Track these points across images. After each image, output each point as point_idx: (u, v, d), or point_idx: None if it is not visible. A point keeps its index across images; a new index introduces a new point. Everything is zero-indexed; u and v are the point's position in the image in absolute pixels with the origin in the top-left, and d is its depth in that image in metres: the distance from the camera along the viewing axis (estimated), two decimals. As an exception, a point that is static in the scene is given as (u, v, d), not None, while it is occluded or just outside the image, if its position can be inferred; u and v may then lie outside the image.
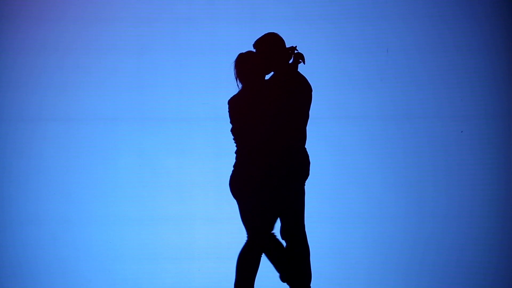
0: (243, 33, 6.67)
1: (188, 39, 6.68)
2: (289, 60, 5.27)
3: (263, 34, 5.36)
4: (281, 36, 5.33)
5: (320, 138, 6.52)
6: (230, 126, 5.24)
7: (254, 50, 5.33)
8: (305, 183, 5.25)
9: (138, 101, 6.62)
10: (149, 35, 6.65)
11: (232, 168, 5.31)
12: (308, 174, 5.24)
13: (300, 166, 5.17)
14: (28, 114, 6.58)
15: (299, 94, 5.19)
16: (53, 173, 6.54)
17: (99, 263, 6.50)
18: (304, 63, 5.27)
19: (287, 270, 5.23)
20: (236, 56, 5.32)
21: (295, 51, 5.28)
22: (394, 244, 6.35)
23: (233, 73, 5.33)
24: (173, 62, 6.65)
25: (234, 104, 5.24)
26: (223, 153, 6.58)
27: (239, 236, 6.56)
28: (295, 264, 5.20)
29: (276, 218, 5.26)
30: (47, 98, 6.58)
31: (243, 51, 5.31)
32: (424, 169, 6.57)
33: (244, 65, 5.27)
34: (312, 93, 5.27)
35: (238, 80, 5.31)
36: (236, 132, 5.25)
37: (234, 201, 6.62)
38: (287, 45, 5.34)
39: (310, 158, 5.29)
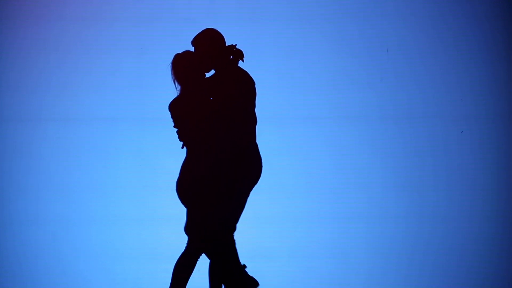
0: (243, 33, 6.67)
1: (188, 39, 6.67)
2: (229, 57, 5.17)
3: (201, 30, 5.23)
4: (219, 32, 5.26)
5: (320, 138, 6.53)
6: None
7: (192, 48, 5.23)
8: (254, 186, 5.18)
9: (138, 101, 6.62)
10: (149, 35, 6.65)
11: (178, 174, 5.27)
12: (256, 175, 5.16)
13: (246, 166, 5.10)
14: (28, 114, 6.58)
15: (240, 90, 5.09)
16: (53, 173, 6.54)
17: (99, 263, 6.50)
18: (243, 60, 5.19)
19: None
20: (172, 57, 5.22)
21: (235, 49, 5.20)
22: (395, 244, 6.35)
23: (171, 75, 5.21)
24: (173, 62, 6.65)
25: (175, 107, 5.15)
26: (223, 153, 6.58)
27: (239, 236, 6.57)
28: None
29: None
30: (47, 98, 6.58)
31: (179, 52, 5.22)
32: (424, 169, 6.57)
33: (182, 66, 5.15)
34: (256, 86, 5.19)
35: (176, 82, 5.20)
36: (181, 136, 5.19)
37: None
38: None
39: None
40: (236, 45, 5.20)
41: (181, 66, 5.15)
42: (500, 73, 6.64)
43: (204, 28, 5.26)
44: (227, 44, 5.23)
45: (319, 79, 6.58)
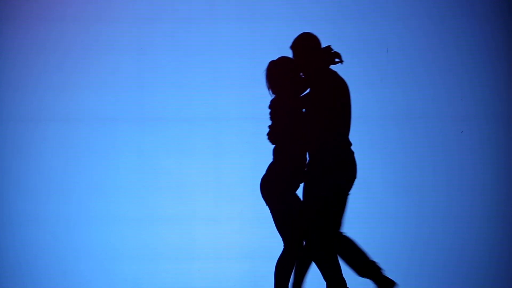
0: (243, 33, 6.67)
1: (188, 39, 6.68)
2: (326, 59, 5.21)
3: (298, 34, 5.27)
4: (315, 35, 5.29)
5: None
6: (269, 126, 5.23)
7: (286, 54, 5.27)
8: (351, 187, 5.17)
9: (138, 101, 6.62)
10: (149, 35, 6.65)
11: (265, 172, 5.28)
12: (349, 175, 5.15)
13: (337, 166, 5.11)
14: (28, 114, 6.58)
15: (335, 95, 5.12)
16: (53, 173, 6.54)
17: (99, 263, 6.50)
18: (342, 62, 5.22)
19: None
20: (267, 64, 5.26)
21: (332, 51, 5.23)
22: (394, 244, 6.35)
23: (265, 81, 5.25)
24: (173, 62, 6.65)
25: (274, 106, 5.19)
26: (223, 153, 6.59)
27: (239, 236, 6.58)
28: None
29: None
30: (46, 98, 6.58)
31: (274, 59, 5.25)
32: (424, 169, 6.57)
33: (277, 73, 5.19)
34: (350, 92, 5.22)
35: (270, 90, 5.24)
36: (273, 136, 5.21)
37: (234, 201, 6.64)
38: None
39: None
40: (331, 45, 5.22)
41: (276, 72, 5.19)
42: (500, 73, 6.64)
43: (300, 32, 5.29)
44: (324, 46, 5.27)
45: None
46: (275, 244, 6.39)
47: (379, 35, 6.63)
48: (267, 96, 6.63)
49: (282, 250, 5.26)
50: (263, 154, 6.60)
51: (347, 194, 5.15)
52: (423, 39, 6.64)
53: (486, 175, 6.58)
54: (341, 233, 5.20)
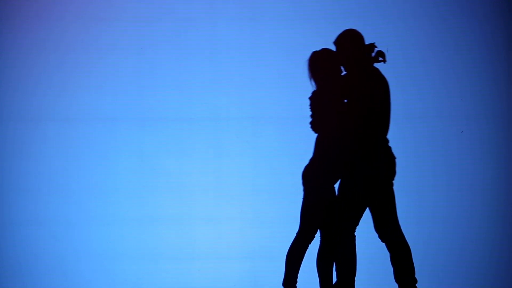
0: (243, 33, 6.67)
1: (188, 39, 6.68)
2: (369, 57, 5.23)
3: (342, 30, 5.29)
4: (360, 32, 5.30)
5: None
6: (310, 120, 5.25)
7: (330, 47, 5.29)
8: (392, 183, 5.26)
9: (138, 101, 6.62)
10: (149, 35, 6.65)
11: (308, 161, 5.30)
12: (389, 174, 5.23)
13: (376, 164, 5.16)
14: (28, 114, 6.58)
15: (377, 91, 5.14)
16: (53, 173, 6.54)
17: (99, 263, 6.50)
18: (384, 61, 5.24)
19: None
20: (310, 54, 5.29)
21: (375, 48, 5.25)
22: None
23: (307, 71, 5.28)
24: (173, 62, 6.65)
25: (314, 99, 5.23)
26: (223, 153, 6.59)
27: (239, 236, 6.58)
28: (395, 266, 5.23)
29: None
30: (47, 98, 6.58)
31: (317, 49, 5.28)
32: (424, 169, 6.57)
33: (319, 62, 5.23)
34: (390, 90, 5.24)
35: (312, 79, 5.27)
36: (315, 128, 5.25)
37: (234, 201, 6.64)
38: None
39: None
40: (375, 43, 5.24)
41: (319, 62, 5.23)
42: (500, 73, 6.64)
43: (345, 29, 5.31)
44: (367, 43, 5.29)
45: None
46: (275, 244, 6.39)
47: (379, 35, 6.62)
48: (267, 96, 6.64)
49: (295, 236, 5.28)
50: (263, 154, 6.61)
51: (391, 187, 5.26)
52: (423, 39, 6.63)
53: (486, 175, 6.58)
54: (403, 236, 5.27)
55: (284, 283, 5.28)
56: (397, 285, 5.28)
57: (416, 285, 5.26)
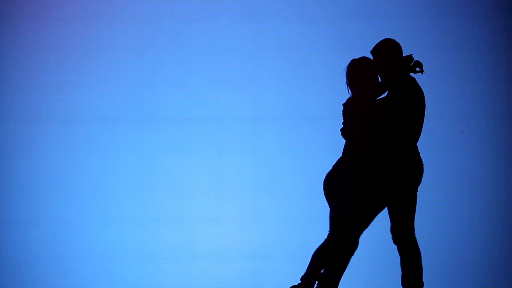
0: (243, 33, 6.67)
1: (188, 39, 6.68)
2: (406, 67, 5.26)
3: (380, 40, 5.34)
4: (398, 42, 5.33)
5: (321, 139, 6.53)
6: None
7: (369, 56, 5.31)
8: (417, 190, 5.29)
9: (138, 101, 6.62)
10: (149, 35, 6.65)
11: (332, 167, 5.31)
12: (416, 181, 5.27)
13: (405, 172, 5.20)
14: (28, 114, 6.58)
15: (411, 103, 5.18)
16: (53, 173, 6.54)
17: (99, 263, 6.50)
18: (422, 72, 5.27)
19: None
20: (349, 62, 5.30)
21: (413, 60, 5.28)
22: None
23: (345, 78, 5.29)
24: (173, 62, 6.65)
25: (347, 106, 5.25)
26: (223, 153, 6.59)
27: (239, 236, 6.58)
28: (404, 268, 5.25)
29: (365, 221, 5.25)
30: (46, 98, 6.58)
31: (356, 57, 5.29)
32: (424, 169, 6.57)
33: (357, 71, 5.24)
34: (425, 104, 5.31)
35: (349, 87, 5.28)
36: (346, 135, 5.27)
37: (234, 201, 6.64)
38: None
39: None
40: (412, 54, 5.27)
41: (357, 71, 5.23)
42: (500, 73, 6.64)
43: (383, 38, 5.36)
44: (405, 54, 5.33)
45: (319, 79, 6.58)
46: (275, 244, 6.40)
47: (379, 35, 6.62)
48: (267, 96, 6.64)
49: (325, 239, 5.29)
50: (263, 154, 6.61)
51: (415, 194, 5.29)
52: (423, 39, 6.63)
53: (486, 175, 6.58)
54: (415, 240, 5.31)
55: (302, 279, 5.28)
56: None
57: None
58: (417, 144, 5.44)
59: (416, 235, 5.38)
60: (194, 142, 6.61)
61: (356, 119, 5.21)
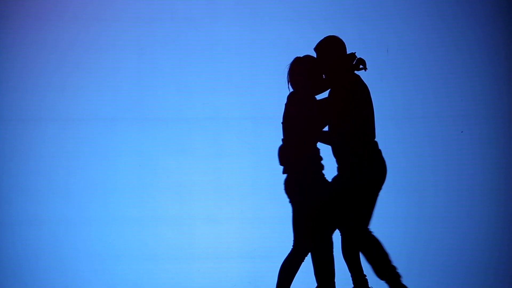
0: (243, 33, 6.67)
1: (188, 39, 6.68)
2: (349, 65, 5.25)
3: (324, 37, 5.32)
4: (342, 39, 5.33)
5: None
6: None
7: (314, 54, 5.30)
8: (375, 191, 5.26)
9: (138, 101, 6.62)
10: (149, 35, 6.65)
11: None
12: (377, 174, 5.22)
13: (364, 166, 5.18)
14: (28, 114, 6.58)
15: (356, 100, 5.17)
16: (53, 173, 6.54)
17: (99, 263, 6.50)
18: (365, 69, 5.27)
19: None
20: (293, 59, 5.30)
21: (356, 57, 5.27)
22: (394, 244, 6.34)
23: (286, 76, 5.29)
24: (173, 62, 6.65)
25: (289, 104, 5.25)
26: (223, 153, 6.59)
27: (239, 236, 6.57)
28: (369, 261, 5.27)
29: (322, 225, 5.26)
30: (46, 98, 6.58)
31: (300, 55, 5.29)
32: (424, 169, 6.57)
33: (300, 69, 5.24)
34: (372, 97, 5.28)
35: (289, 84, 5.27)
36: (284, 125, 5.27)
37: (234, 201, 6.64)
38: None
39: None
40: (355, 52, 5.25)
41: (300, 69, 5.23)
42: (500, 73, 6.64)
43: (326, 35, 5.33)
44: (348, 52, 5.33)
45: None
46: (275, 244, 6.39)
47: (379, 35, 6.62)
48: (267, 96, 6.62)
49: (290, 249, 5.27)
50: (263, 154, 6.61)
51: (376, 193, 5.24)
52: (423, 39, 6.63)
53: (486, 175, 6.58)
54: (370, 232, 5.24)
55: None
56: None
57: (401, 279, 5.28)
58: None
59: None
60: (194, 142, 6.61)
61: (297, 115, 5.18)
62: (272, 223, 6.50)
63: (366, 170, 5.18)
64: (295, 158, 5.19)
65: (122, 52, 6.63)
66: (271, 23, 6.66)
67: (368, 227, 5.28)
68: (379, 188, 5.25)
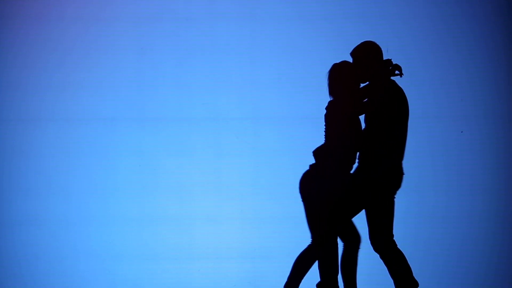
0: (243, 33, 6.67)
1: (188, 39, 6.68)
2: (386, 71, 5.25)
3: (361, 42, 5.34)
4: (378, 45, 5.34)
5: (321, 138, 6.52)
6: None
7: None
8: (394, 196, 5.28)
9: (138, 101, 6.62)
10: (149, 35, 6.65)
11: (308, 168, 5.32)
12: (393, 186, 5.24)
13: (385, 176, 5.18)
14: (28, 114, 6.58)
15: (391, 106, 5.17)
16: (53, 173, 6.54)
17: (99, 263, 6.50)
18: (401, 75, 5.27)
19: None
20: (330, 66, 5.32)
21: (392, 63, 5.28)
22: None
23: (327, 82, 5.30)
24: (173, 62, 6.65)
25: (329, 110, 5.25)
26: (223, 153, 6.59)
27: (239, 236, 6.57)
28: (392, 275, 5.27)
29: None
30: (46, 98, 6.59)
31: (337, 62, 5.29)
32: (424, 169, 6.57)
33: (338, 76, 5.25)
34: (409, 106, 5.28)
35: (329, 91, 5.29)
36: (326, 135, 5.28)
37: (234, 201, 6.64)
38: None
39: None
40: (391, 59, 5.27)
41: (338, 75, 5.25)
42: (500, 73, 6.64)
43: (363, 41, 5.36)
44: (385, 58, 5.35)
45: (319, 79, 6.57)
46: (275, 244, 6.40)
47: (379, 35, 6.62)
48: (267, 96, 6.63)
49: (308, 244, 5.31)
50: (263, 154, 6.61)
51: (392, 201, 5.27)
52: (423, 39, 6.63)
53: (486, 175, 6.58)
54: (395, 245, 5.24)
55: (285, 287, 5.30)
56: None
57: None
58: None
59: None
60: (194, 142, 6.61)
61: (337, 123, 5.19)
62: (272, 223, 6.50)
63: (386, 169, 5.17)
64: (332, 159, 5.20)
65: (122, 52, 6.63)
66: (271, 23, 6.66)
67: (393, 239, 5.28)
68: (393, 192, 5.22)
